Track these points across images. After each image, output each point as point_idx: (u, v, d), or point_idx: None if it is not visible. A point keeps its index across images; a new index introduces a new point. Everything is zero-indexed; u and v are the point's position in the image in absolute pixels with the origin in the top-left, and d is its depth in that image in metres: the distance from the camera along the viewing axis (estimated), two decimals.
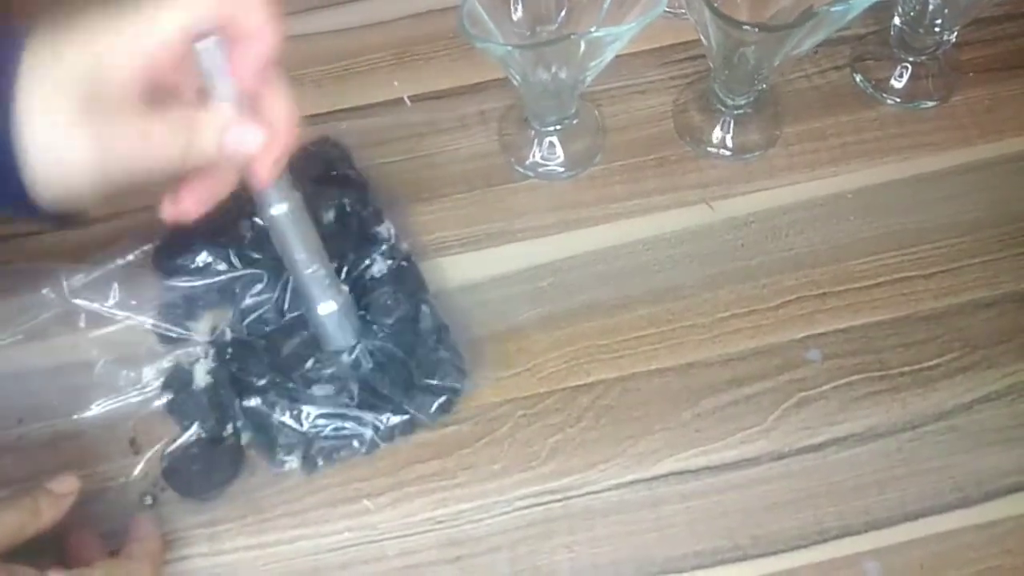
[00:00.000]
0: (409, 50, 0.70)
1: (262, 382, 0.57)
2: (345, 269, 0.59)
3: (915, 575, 0.52)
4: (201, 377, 0.58)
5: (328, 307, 0.55)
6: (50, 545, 0.50)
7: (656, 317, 0.59)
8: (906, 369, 0.57)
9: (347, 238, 0.60)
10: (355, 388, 0.56)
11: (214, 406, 0.56)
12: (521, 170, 0.65)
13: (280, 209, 0.51)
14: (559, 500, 0.55)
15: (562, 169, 0.65)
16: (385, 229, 0.61)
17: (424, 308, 0.58)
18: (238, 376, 0.57)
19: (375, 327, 0.58)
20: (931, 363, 0.57)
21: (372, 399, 0.56)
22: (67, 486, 0.50)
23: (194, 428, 0.56)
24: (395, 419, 0.56)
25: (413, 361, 0.57)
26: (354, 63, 0.70)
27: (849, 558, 0.52)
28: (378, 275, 0.60)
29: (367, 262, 0.60)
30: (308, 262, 0.54)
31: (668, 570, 0.53)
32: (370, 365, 0.57)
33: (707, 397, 0.57)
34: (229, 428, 0.56)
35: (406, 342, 0.57)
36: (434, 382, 0.56)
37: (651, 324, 0.59)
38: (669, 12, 0.67)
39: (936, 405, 0.56)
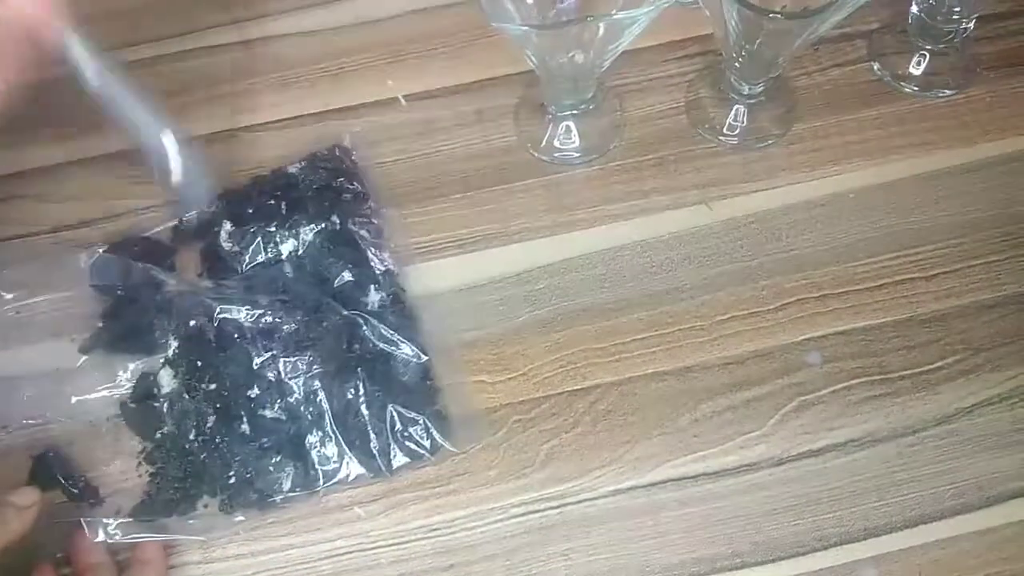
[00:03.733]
0: (403, 49, 0.69)
1: (218, 402, 0.56)
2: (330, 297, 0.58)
3: None
4: (167, 384, 0.57)
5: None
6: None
7: (654, 320, 0.59)
8: (907, 372, 0.56)
9: (335, 261, 0.59)
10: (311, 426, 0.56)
11: (174, 418, 0.56)
12: (536, 155, 0.64)
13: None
14: (555, 507, 0.54)
15: (578, 155, 0.64)
16: (380, 254, 0.60)
17: (409, 351, 0.57)
18: (199, 387, 0.56)
19: (359, 368, 0.56)
20: (932, 366, 0.57)
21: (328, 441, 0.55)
22: (28, 498, 0.51)
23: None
24: (358, 471, 0.55)
25: (388, 412, 0.55)
26: (348, 62, 0.69)
27: (848, 565, 0.52)
28: (373, 307, 0.58)
29: (360, 292, 0.59)
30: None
31: None
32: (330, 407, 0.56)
33: (705, 401, 0.56)
34: (187, 443, 0.55)
35: (385, 389, 0.56)
36: (407, 441, 0.55)
37: (649, 327, 0.58)
38: (677, 1, 0.67)
39: (937, 409, 0.55)
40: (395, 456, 0.55)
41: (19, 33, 0.48)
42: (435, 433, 0.55)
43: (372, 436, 0.55)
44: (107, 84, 0.53)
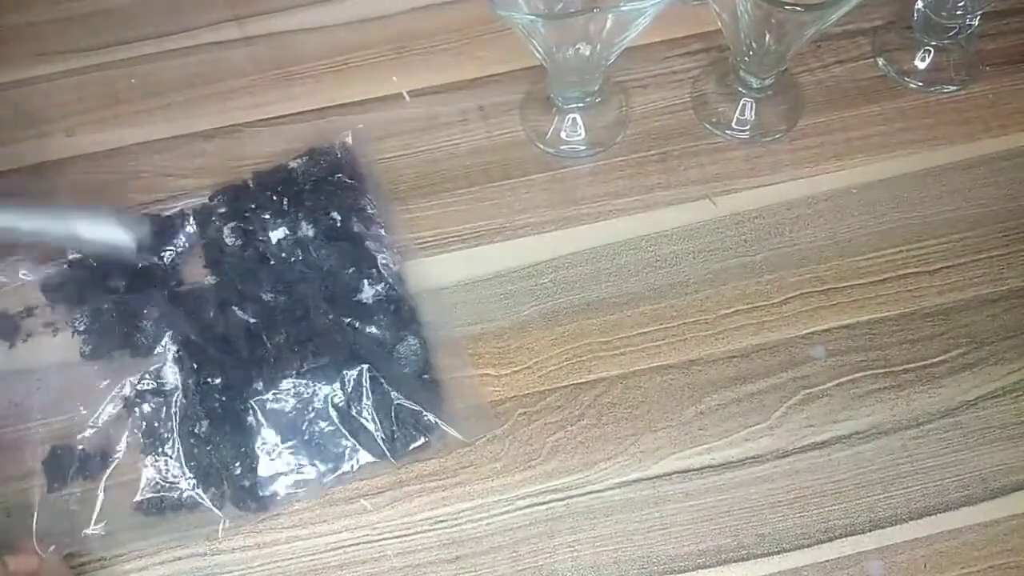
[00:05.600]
0: (408, 45, 0.69)
1: (223, 396, 0.56)
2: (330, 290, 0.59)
3: (919, 574, 0.52)
4: (171, 381, 0.57)
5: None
6: None
7: (658, 314, 0.59)
8: (911, 366, 0.57)
9: (333, 256, 0.60)
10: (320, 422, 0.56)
11: (179, 414, 0.56)
12: (541, 147, 0.65)
13: None
14: (561, 499, 0.54)
15: (583, 148, 0.65)
16: (381, 249, 0.60)
17: (410, 345, 0.57)
18: (203, 382, 0.56)
19: (361, 361, 0.56)
20: (936, 360, 0.57)
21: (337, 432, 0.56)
22: (25, 565, 0.49)
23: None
24: (362, 460, 0.55)
25: (392, 402, 0.56)
26: (353, 58, 0.69)
27: (853, 557, 0.52)
28: (368, 301, 0.59)
29: (356, 286, 0.59)
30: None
31: (671, 570, 0.52)
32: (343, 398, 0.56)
33: (710, 394, 0.56)
34: (192, 438, 0.55)
35: (389, 381, 0.56)
36: (412, 430, 0.55)
37: (653, 321, 0.59)
38: None
39: (941, 402, 0.56)
40: (400, 446, 0.55)
41: None
42: (440, 423, 0.55)
43: (377, 427, 0.55)
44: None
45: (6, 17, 0.73)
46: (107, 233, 0.57)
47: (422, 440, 0.55)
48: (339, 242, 0.60)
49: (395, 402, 0.55)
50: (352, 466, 0.55)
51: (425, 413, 0.55)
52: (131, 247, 0.58)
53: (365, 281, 0.59)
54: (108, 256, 0.59)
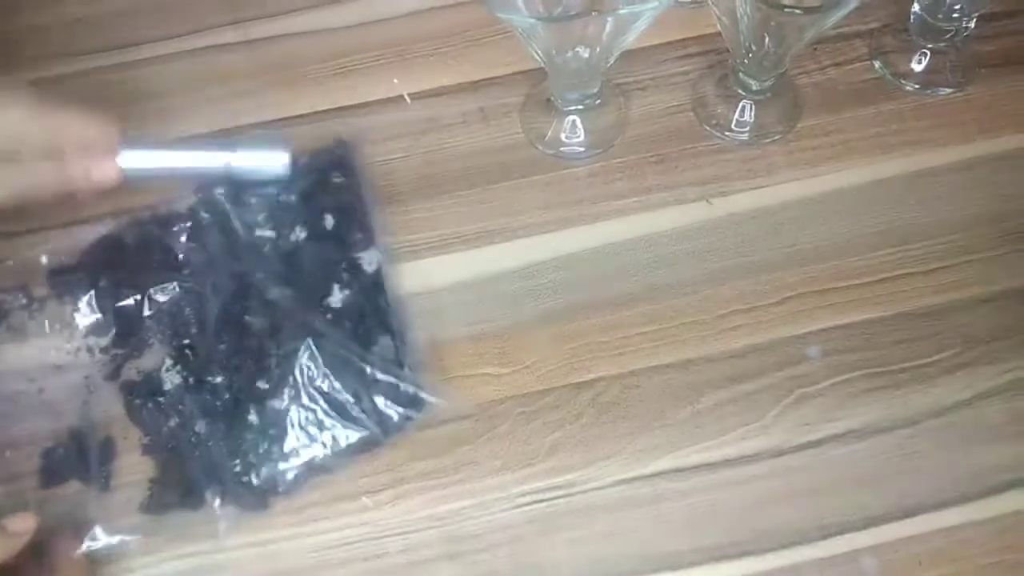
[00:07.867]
0: (409, 48, 0.70)
1: (227, 395, 0.57)
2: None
3: (913, 571, 0.52)
4: (170, 382, 0.58)
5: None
6: None
7: (656, 314, 0.59)
8: (906, 365, 0.57)
9: (330, 254, 0.61)
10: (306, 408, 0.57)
11: (178, 413, 0.57)
12: (541, 148, 0.65)
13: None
14: (560, 496, 0.55)
15: (582, 150, 0.65)
16: (377, 248, 0.61)
17: (385, 345, 0.58)
18: (202, 381, 0.57)
19: (353, 354, 0.57)
20: (931, 359, 0.57)
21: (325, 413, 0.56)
22: (23, 525, 0.49)
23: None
24: (350, 437, 0.56)
25: (368, 374, 0.57)
26: (354, 61, 0.70)
27: (848, 554, 0.52)
28: (338, 305, 0.59)
29: (341, 283, 0.60)
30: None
31: (668, 566, 0.53)
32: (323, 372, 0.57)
33: (707, 394, 0.57)
34: (192, 437, 0.56)
35: (381, 369, 0.57)
36: (388, 399, 0.56)
37: (651, 321, 0.59)
38: (677, 1, 0.68)
39: (935, 401, 0.56)
40: (387, 417, 0.56)
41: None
42: (421, 393, 0.56)
43: (357, 402, 0.56)
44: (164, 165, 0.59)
45: (9, 20, 0.74)
46: (262, 155, 0.60)
47: (399, 411, 0.56)
48: (338, 240, 0.61)
49: (372, 378, 0.56)
50: (342, 445, 0.55)
51: (404, 386, 0.56)
52: (286, 162, 0.60)
53: (347, 277, 0.60)
54: (262, 176, 0.61)
